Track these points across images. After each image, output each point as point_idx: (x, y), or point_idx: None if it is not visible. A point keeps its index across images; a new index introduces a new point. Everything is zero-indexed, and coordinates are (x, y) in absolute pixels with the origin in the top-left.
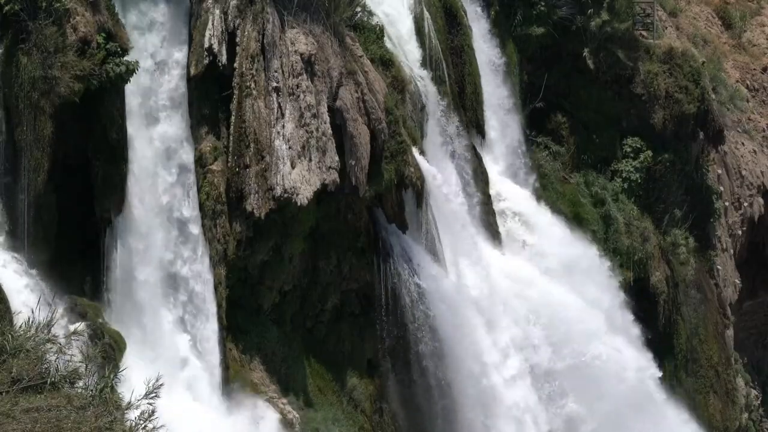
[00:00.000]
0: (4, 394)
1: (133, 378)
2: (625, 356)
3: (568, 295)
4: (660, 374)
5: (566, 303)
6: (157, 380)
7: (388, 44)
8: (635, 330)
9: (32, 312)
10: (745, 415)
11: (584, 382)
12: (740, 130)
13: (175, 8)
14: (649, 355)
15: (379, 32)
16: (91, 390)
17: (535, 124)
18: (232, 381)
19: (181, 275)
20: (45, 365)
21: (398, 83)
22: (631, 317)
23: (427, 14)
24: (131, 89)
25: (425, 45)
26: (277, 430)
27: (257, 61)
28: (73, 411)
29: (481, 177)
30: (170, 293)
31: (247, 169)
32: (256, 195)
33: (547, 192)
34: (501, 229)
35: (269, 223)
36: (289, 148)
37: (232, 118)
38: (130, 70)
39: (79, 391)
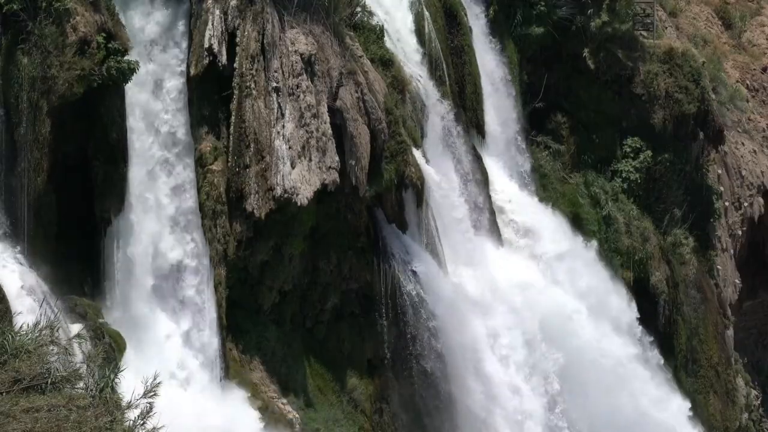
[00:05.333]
0: (5, 394)
1: (132, 378)
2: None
3: (568, 294)
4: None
5: (565, 302)
6: (155, 379)
7: (388, 44)
8: (637, 329)
9: (37, 313)
10: (745, 415)
11: (582, 382)
12: (740, 130)
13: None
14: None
15: (379, 32)
16: (92, 390)
17: (535, 124)
18: (232, 381)
19: (180, 275)
20: (46, 366)
21: (398, 83)
22: (634, 315)
23: (427, 14)
24: None
25: (425, 45)
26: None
27: (257, 61)
28: (73, 411)
29: (480, 177)
30: (170, 293)
31: (247, 169)
32: (256, 195)
33: (547, 192)
34: (501, 228)
35: (269, 223)
36: (289, 148)
37: (232, 118)
38: (131, 70)
39: (80, 391)
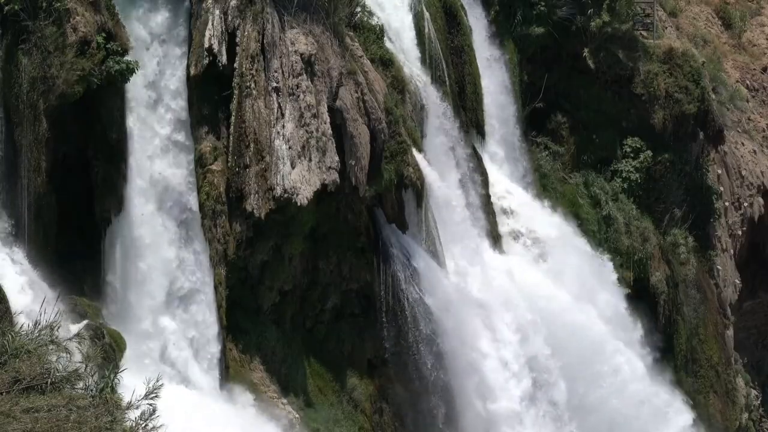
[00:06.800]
0: (5, 394)
1: (132, 378)
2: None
3: (568, 295)
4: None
5: (566, 303)
6: (157, 380)
7: (388, 44)
8: (637, 331)
9: (38, 313)
10: (745, 415)
11: (582, 378)
12: (740, 130)
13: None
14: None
15: (379, 32)
16: (92, 390)
17: (535, 124)
18: (232, 381)
19: (180, 276)
20: (46, 366)
21: (398, 83)
22: (630, 316)
23: (427, 14)
24: None
25: (425, 45)
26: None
27: (257, 61)
28: (73, 411)
29: (480, 177)
30: (170, 293)
31: (247, 169)
32: (256, 195)
33: (546, 192)
34: (501, 229)
35: (269, 223)
36: (289, 148)
37: (232, 118)
38: (130, 70)
39: (80, 391)
